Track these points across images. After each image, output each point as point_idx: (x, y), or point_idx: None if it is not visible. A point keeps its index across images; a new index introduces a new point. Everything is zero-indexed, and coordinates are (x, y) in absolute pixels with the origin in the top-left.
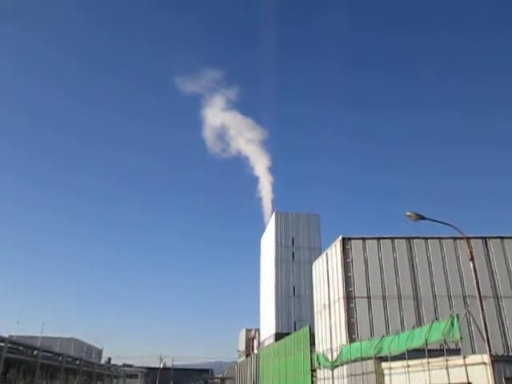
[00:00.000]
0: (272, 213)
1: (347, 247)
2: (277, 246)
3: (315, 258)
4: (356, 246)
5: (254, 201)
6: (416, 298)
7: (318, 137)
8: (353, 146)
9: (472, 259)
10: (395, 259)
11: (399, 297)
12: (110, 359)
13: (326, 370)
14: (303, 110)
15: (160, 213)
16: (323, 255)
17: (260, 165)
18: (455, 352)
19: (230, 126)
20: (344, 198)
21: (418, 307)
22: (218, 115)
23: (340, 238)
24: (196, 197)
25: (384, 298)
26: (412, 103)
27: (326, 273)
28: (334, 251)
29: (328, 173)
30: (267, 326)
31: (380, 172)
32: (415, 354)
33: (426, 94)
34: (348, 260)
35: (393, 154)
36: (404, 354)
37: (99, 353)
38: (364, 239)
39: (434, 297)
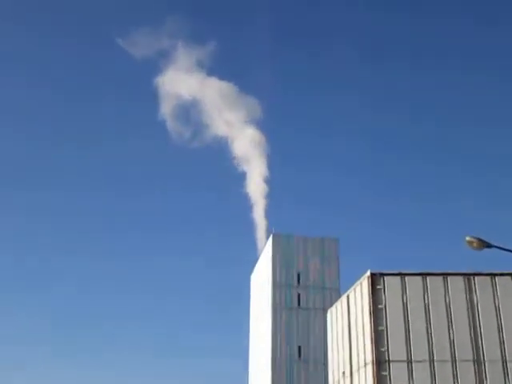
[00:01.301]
0: (268, 236)
1: (378, 287)
2: (275, 285)
3: (331, 304)
4: (392, 285)
5: (242, 219)
6: (477, 361)
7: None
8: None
9: None
10: (448, 305)
11: (453, 360)
12: None
13: None
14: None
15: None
16: (343, 299)
17: (251, 161)
18: None
19: (202, 99)
20: (369, 218)
21: (479, 374)
22: (183, 81)
23: (368, 273)
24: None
25: (431, 361)
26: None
27: (347, 325)
28: (359, 293)
29: (344, 183)
30: None
31: (406, 192)
32: None
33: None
34: (379, 306)
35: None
36: None
37: None
38: (403, 275)
39: (504, 360)
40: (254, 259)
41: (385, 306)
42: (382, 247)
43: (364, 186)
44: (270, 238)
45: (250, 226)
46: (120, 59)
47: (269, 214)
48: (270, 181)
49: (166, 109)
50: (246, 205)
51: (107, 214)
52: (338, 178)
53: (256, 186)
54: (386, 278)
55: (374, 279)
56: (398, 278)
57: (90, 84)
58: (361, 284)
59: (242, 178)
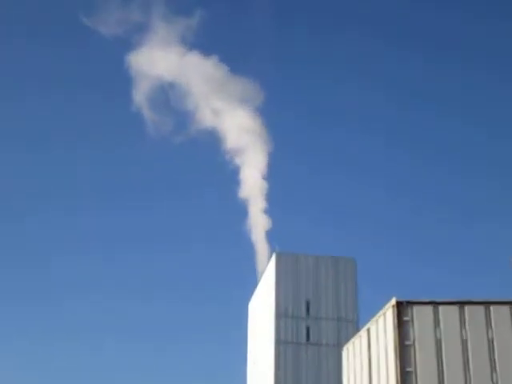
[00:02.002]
0: (270, 255)
1: (406, 319)
2: (278, 315)
3: (347, 339)
4: (422, 316)
5: (236, 232)
6: None
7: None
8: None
9: None
10: (491, 341)
11: None
12: None
13: None
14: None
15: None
16: (362, 333)
17: (247, 157)
18: None
19: (186, 82)
20: (393, 233)
21: None
22: (161, 61)
23: (393, 301)
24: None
25: None
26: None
27: (367, 365)
28: (382, 326)
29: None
30: None
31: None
32: None
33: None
34: (407, 342)
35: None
36: None
37: None
38: (436, 304)
39: None
40: (252, 283)
41: (413, 343)
42: (409, 270)
43: (384, 190)
44: (273, 258)
45: (246, 240)
46: (89, 41)
47: (271, 225)
48: (270, 184)
49: (140, 96)
50: (240, 212)
51: (75, 236)
52: (353, 181)
53: (253, 190)
54: (415, 307)
55: (401, 309)
56: (430, 307)
57: (51, 76)
58: (384, 315)
59: (235, 177)
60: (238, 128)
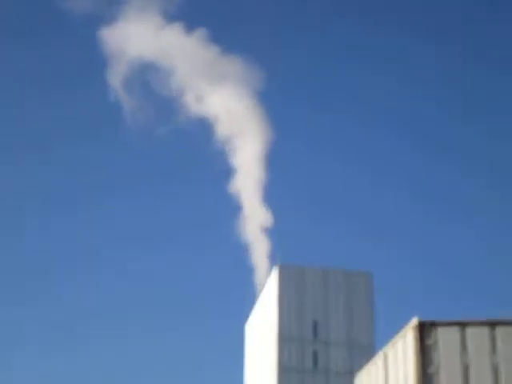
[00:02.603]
0: (271, 268)
1: (429, 342)
2: (282, 338)
3: (361, 366)
4: (448, 339)
5: (231, 239)
6: None
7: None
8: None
9: None
10: None
11: None
12: None
13: None
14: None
15: None
16: (378, 359)
17: (241, 148)
18: None
19: (169, 61)
20: (412, 243)
21: None
22: (141, 40)
23: (414, 322)
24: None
25: None
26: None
27: None
28: (402, 351)
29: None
30: None
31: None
32: None
33: None
34: (431, 370)
35: None
36: None
37: None
38: (463, 325)
39: None
40: (249, 298)
41: (438, 370)
42: (431, 285)
43: (394, 187)
44: (276, 271)
45: (240, 244)
46: (60, 21)
47: (270, 224)
48: (268, 178)
49: (117, 80)
50: (233, 211)
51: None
52: (363, 176)
53: (249, 189)
54: (439, 329)
55: (423, 331)
56: (457, 329)
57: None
58: (404, 338)
59: (228, 174)
60: (231, 114)
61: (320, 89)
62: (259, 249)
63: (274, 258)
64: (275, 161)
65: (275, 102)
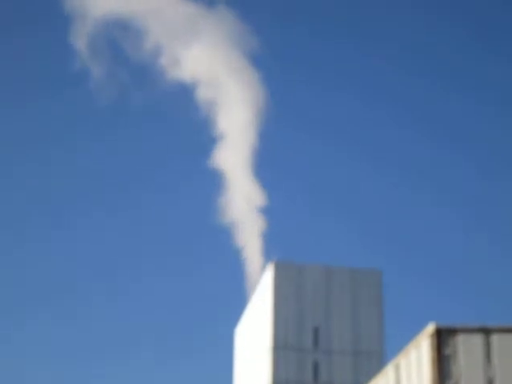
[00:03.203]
0: (265, 265)
1: (448, 352)
2: (277, 346)
3: (369, 377)
4: (470, 348)
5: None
6: None
7: None
8: None
9: None
10: None
11: None
12: None
13: None
14: None
15: None
16: (388, 370)
17: (230, 120)
18: None
19: (145, 20)
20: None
21: None
22: None
23: (431, 328)
24: None
25: None
26: None
27: None
28: (416, 360)
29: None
30: None
31: None
32: None
33: None
34: (450, 383)
35: None
36: None
37: None
38: (488, 332)
39: None
40: (240, 301)
41: (457, 382)
42: (448, 287)
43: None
44: (271, 269)
45: (230, 239)
46: None
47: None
48: (261, 159)
49: (81, 41)
50: (219, 193)
51: None
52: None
53: (237, 165)
54: (460, 336)
55: (441, 338)
56: (480, 336)
57: None
58: (418, 346)
59: (211, 147)
60: (216, 78)
61: (319, 67)
62: (252, 243)
63: (268, 254)
64: (267, 135)
65: (269, 68)
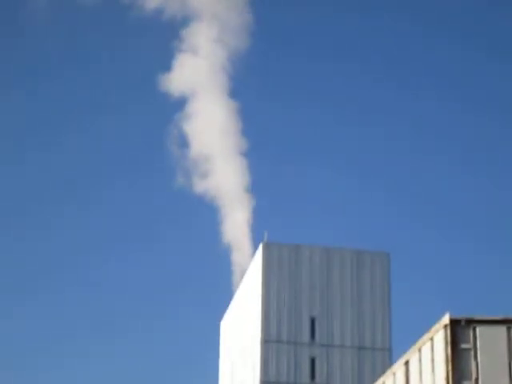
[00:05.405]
0: (254, 247)
1: (464, 346)
2: (267, 340)
3: (375, 376)
4: (490, 340)
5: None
6: None
7: None
8: None
9: None
10: None
11: None
12: None
13: None
14: None
15: None
16: (397, 367)
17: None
18: None
19: None
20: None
21: None
22: None
23: (445, 319)
24: None
25: None
26: None
27: None
28: (429, 356)
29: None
30: None
31: None
32: None
33: None
34: (467, 382)
35: None
36: None
37: None
38: (510, 323)
39: None
40: (225, 290)
41: (476, 382)
42: (467, 269)
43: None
44: (259, 251)
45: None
46: None
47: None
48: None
49: None
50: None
51: None
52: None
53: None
54: (479, 328)
55: (458, 330)
56: (503, 328)
57: None
58: (431, 340)
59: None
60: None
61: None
62: (239, 222)
63: (258, 233)
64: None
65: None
